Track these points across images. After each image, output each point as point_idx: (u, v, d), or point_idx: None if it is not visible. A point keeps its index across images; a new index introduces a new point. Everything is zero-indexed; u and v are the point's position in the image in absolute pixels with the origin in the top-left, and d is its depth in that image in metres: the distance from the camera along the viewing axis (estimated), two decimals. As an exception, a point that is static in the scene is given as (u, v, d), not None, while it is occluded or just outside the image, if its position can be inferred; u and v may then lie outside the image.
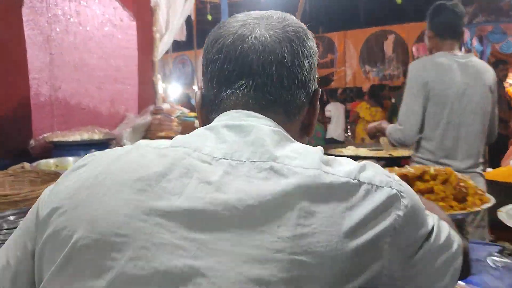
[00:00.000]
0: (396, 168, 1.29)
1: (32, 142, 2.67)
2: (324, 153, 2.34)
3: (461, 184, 1.12)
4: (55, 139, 2.66)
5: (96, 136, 2.85)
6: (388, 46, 11.61)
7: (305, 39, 0.75)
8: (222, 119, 0.69)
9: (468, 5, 5.60)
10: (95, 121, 3.14)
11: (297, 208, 0.56)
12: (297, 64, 0.72)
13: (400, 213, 0.60)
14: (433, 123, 2.02)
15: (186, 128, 3.20)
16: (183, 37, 4.97)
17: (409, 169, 1.22)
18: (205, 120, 0.76)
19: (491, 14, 6.10)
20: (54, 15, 2.90)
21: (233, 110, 0.70)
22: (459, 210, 1.06)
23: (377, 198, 0.60)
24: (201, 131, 0.68)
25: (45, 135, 2.72)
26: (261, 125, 0.67)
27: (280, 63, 0.71)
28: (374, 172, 0.63)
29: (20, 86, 2.76)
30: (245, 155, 0.62)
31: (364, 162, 0.64)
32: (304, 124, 0.77)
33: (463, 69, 2.03)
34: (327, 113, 7.83)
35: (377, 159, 2.19)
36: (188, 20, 4.93)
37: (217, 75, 0.74)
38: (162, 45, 3.83)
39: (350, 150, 2.24)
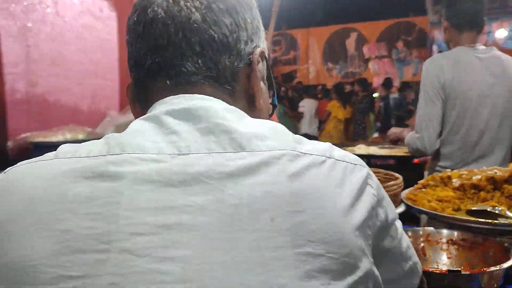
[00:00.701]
0: (475, 170, 1.20)
1: (10, 143, 2.42)
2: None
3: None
4: (36, 140, 2.43)
5: (80, 135, 2.64)
6: (350, 44, 11.77)
7: None
8: (160, 107, 0.56)
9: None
10: (74, 119, 2.91)
11: (286, 194, 0.48)
12: (211, 23, 0.58)
13: (374, 192, 0.56)
14: (453, 129, 1.79)
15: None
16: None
17: (496, 171, 1.14)
18: (140, 116, 0.60)
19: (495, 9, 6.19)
20: (30, 4, 2.64)
21: (171, 96, 0.57)
22: None
23: (356, 176, 0.55)
24: (139, 124, 0.55)
25: (24, 135, 2.48)
26: (211, 106, 0.54)
27: (188, 27, 0.57)
28: (342, 151, 0.58)
29: (-6, 81, 2.49)
30: (206, 145, 0.51)
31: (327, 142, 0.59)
32: (249, 95, 0.63)
33: (486, 66, 1.78)
34: (300, 109, 7.81)
35: (391, 158, 2.12)
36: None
37: (132, 58, 0.62)
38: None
39: (362, 149, 2.17)
